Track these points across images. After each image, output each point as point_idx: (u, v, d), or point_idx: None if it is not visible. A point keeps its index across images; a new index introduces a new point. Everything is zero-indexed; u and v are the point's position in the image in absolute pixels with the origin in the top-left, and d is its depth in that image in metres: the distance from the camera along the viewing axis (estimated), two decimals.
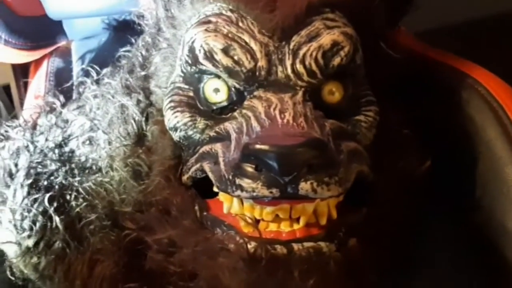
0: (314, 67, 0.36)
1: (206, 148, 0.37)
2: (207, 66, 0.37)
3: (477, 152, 0.46)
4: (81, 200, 0.42)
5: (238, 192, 0.33)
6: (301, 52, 0.36)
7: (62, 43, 0.68)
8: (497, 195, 0.44)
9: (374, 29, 0.42)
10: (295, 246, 0.34)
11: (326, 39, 0.37)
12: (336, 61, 0.37)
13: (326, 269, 0.34)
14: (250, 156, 0.32)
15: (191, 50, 0.38)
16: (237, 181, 0.33)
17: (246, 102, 0.36)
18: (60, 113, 0.47)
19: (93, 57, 0.64)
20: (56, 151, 0.44)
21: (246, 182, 0.32)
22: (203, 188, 0.38)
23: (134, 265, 0.39)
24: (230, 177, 0.33)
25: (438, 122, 0.47)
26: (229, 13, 0.38)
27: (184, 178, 0.38)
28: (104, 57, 0.53)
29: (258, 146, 0.31)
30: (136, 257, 0.39)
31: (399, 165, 0.41)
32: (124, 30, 0.55)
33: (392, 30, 0.47)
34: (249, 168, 0.32)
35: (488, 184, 0.45)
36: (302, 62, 0.36)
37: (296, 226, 0.35)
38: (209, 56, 0.37)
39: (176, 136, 0.39)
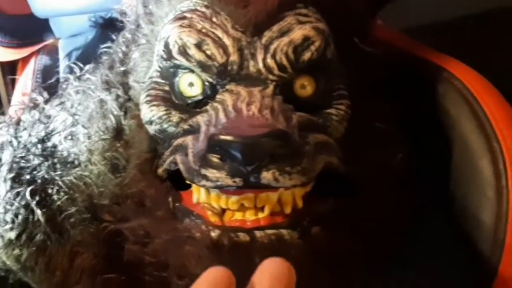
0: (284, 61, 0.37)
1: (179, 141, 0.37)
2: (181, 60, 0.38)
3: (453, 145, 0.46)
4: (62, 193, 0.42)
5: (204, 182, 0.34)
6: (272, 47, 0.37)
7: (49, 41, 0.68)
8: (471, 188, 0.45)
9: (348, 24, 0.42)
10: (258, 233, 0.35)
11: (297, 34, 0.37)
12: (307, 55, 0.38)
13: (287, 255, 0.34)
14: (215, 146, 0.33)
15: (166, 45, 0.39)
16: (203, 171, 0.34)
17: (217, 96, 0.37)
18: (43, 109, 0.48)
19: (79, 55, 0.64)
20: (39, 146, 0.45)
21: (211, 172, 0.33)
22: (178, 181, 0.39)
23: (113, 257, 0.40)
24: (197, 168, 0.34)
25: (415, 115, 0.48)
26: (203, 9, 0.39)
27: (160, 170, 0.39)
28: (90, 55, 0.54)
29: (222, 137, 0.32)
30: (115, 248, 0.40)
31: (370, 158, 0.41)
32: (110, 27, 0.56)
33: (369, 24, 0.47)
34: (214, 158, 0.33)
35: (463, 177, 0.46)
36: (273, 56, 0.37)
37: (260, 215, 0.35)
38: (183, 51, 0.38)
39: (151, 129, 0.40)
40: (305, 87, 0.39)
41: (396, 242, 0.41)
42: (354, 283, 0.39)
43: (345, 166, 0.39)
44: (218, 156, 0.33)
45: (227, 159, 0.33)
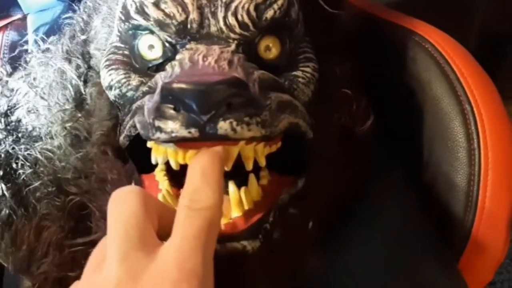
0: (246, 19, 0.36)
1: (138, 103, 0.36)
2: (139, 20, 0.37)
3: (424, 109, 0.46)
4: (26, 167, 0.42)
5: (158, 134, 0.32)
6: (233, 5, 0.36)
7: (17, 16, 0.67)
8: (443, 151, 0.45)
9: None
10: (218, 246, 0.32)
11: None
12: (269, 13, 0.37)
13: (249, 268, 0.35)
14: (168, 95, 0.31)
15: (124, 6, 0.38)
16: (156, 123, 0.32)
17: (177, 55, 0.36)
18: (6, 82, 0.47)
19: (47, 29, 0.63)
20: (2, 120, 0.44)
21: (164, 123, 0.32)
22: (141, 163, 0.38)
23: (80, 229, 0.40)
24: (151, 120, 0.32)
25: (385, 80, 0.47)
26: None
27: (121, 138, 0.38)
28: (57, 28, 0.53)
29: (175, 85, 0.31)
30: (81, 221, 0.40)
31: (339, 123, 0.41)
32: (77, 1, 0.54)
33: None
34: (168, 109, 0.32)
35: (435, 140, 0.45)
36: (234, 14, 0.36)
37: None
38: (140, 9, 0.37)
39: (111, 95, 0.39)
40: (270, 48, 0.38)
41: (353, 205, 0.41)
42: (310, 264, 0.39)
43: (312, 131, 0.38)
44: (171, 106, 0.31)
45: (181, 108, 0.31)
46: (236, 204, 0.35)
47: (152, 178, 0.37)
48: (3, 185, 0.41)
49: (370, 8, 0.52)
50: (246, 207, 0.35)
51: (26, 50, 0.54)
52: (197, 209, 0.28)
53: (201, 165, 0.31)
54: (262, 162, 0.35)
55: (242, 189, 0.35)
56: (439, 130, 0.45)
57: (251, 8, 0.36)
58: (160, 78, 0.35)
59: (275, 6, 0.37)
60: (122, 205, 0.29)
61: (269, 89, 0.35)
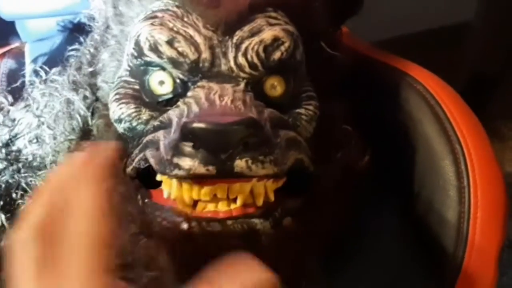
0: (255, 59, 0.38)
1: (149, 137, 0.37)
2: (152, 57, 0.38)
3: (416, 147, 0.48)
4: (26, 198, 0.42)
5: (176, 171, 0.33)
6: (244, 46, 0.38)
7: (15, 44, 0.67)
8: (435, 188, 0.46)
9: (315, 29, 0.44)
10: (230, 222, 0.35)
11: (267, 34, 0.38)
12: (277, 55, 0.38)
13: (258, 244, 0.35)
14: (188, 134, 0.33)
15: (137, 43, 0.39)
16: (175, 160, 0.33)
17: (189, 92, 0.37)
18: (8, 112, 0.47)
19: (46, 59, 0.63)
20: (3, 150, 0.44)
21: (183, 161, 0.33)
22: (146, 181, 0.38)
23: None
24: (169, 157, 0.34)
25: (380, 119, 0.49)
26: (175, 9, 0.39)
27: (128, 170, 0.39)
28: (57, 59, 0.53)
29: (195, 125, 0.32)
30: None
31: (338, 158, 0.42)
32: (78, 32, 0.55)
33: (335, 31, 0.49)
34: (187, 147, 0.33)
35: (426, 178, 0.47)
36: (244, 55, 0.38)
37: (233, 206, 0.35)
38: (154, 47, 0.38)
39: (120, 128, 0.40)
40: (275, 87, 0.39)
41: (352, 242, 0.42)
42: (313, 273, 0.39)
43: (314, 166, 0.40)
44: (191, 144, 0.33)
45: (200, 147, 0.32)
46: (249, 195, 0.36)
47: (158, 191, 0.38)
48: (2, 216, 0.41)
49: (364, 49, 0.55)
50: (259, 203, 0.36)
51: (25, 80, 0.54)
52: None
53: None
54: (271, 198, 0.37)
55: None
56: (430, 168, 0.47)
57: (260, 50, 0.38)
58: (174, 115, 0.36)
59: (282, 48, 0.39)
60: None
61: (277, 127, 0.37)
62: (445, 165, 0.46)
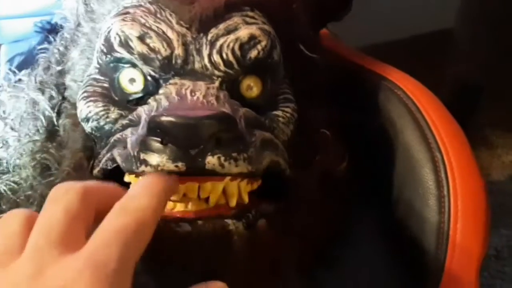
0: (231, 57, 0.37)
1: (117, 136, 0.36)
2: (122, 53, 0.37)
3: (396, 154, 0.47)
4: None
5: (143, 168, 0.32)
6: (219, 43, 0.37)
7: None
8: (415, 197, 0.45)
9: (293, 30, 0.43)
10: (200, 222, 0.33)
11: (243, 32, 0.37)
12: (253, 53, 0.37)
13: (230, 245, 0.33)
14: (156, 128, 0.31)
15: (107, 39, 0.38)
16: (142, 156, 0.31)
17: (161, 90, 0.36)
18: None
19: (21, 60, 0.62)
20: None
21: (150, 156, 0.31)
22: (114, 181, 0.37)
23: None
24: (135, 153, 0.32)
25: (360, 124, 0.48)
26: (148, 5, 0.38)
27: (95, 171, 0.37)
28: (32, 60, 0.52)
29: (163, 118, 0.30)
30: None
31: (315, 163, 0.41)
32: (54, 33, 0.54)
33: (316, 34, 0.48)
34: (155, 142, 0.31)
35: (406, 185, 0.46)
36: (219, 52, 0.36)
37: (205, 206, 0.34)
38: (124, 43, 0.37)
39: (88, 127, 0.38)
40: (251, 87, 0.38)
41: (330, 248, 0.41)
42: (290, 279, 0.38)
43: (291, 169, 0.38)
44: (158, 139, 0.31)
45: (169, 142, 0.31)
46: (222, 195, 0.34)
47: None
48: None
49: (346, 53, 0.54)
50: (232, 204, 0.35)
51: None
52: (127, 210, 0.27)
53: (144, 181, 0.30)
54: (245, 199, 0.35)
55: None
56: (410, 176, 0.46)
57: (236, 47, 0.37)
58: (143, 112, 0.34)
59: (259, 47, 0.37)
60: (57, 201, 0.28)
61: (252, 127, 0.35)
62: (425, 173, 0.44)
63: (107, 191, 0.30)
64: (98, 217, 0.28)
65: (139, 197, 0.28)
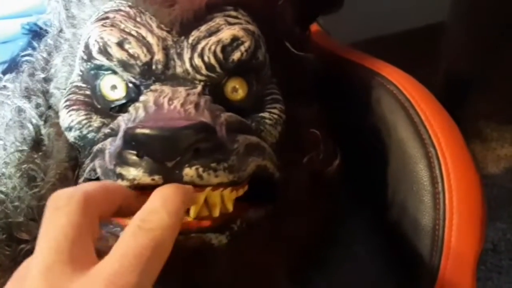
0: (213, 61, 0.36)
1: (99, 146, 0.35)
2: (101, 60, 0.36)
3: (389, 151, 0.46)
4: None
5: (119, 182, 0.31)
6: (200, 46, 0.36)
7: None
8: (409, 194, 0.45)
9: (279, 28, 0.42)
10: (181, 237, 0.32)
11: (225, 33, 0.36)
12: (236, 55, 0.36)
13: (213, 261, 0.33)
14: (131, 141, 0.30)
15: (87, 45, 0.37)
16: (118, 169, 0.31)
17: (141, 97, 0.35)
18: None
19: (5, 68, 0.61)
20: None
21: (126, 170, 0.31)
22: None
23: None
24: (112, 167, 0.31)
25: (352, 121, 0.47)
26: (127, 9, 0.37)
27: (80, 181, 0.36)
28: (17, 66, 0.51)
29: (138, 130, 0.30)
30: None
31: (305, 164, 0.40)
32: (40, 38, 0.53)
33: (303, 31, 0.47)
34: (131, 155, 0.31)
35: (400, 183, 0.45)
36: (201, 56, 0.36)
37: (186, 219, 0.33)
38: (103, 50, 0.36)
39: (71, 136, 0.38)
40: (236, 90, 0.37)
41: (322, 250, 0.40)
42: (282, 285, 0.37)
43: (280, 172, 0.38)
44: (134, 152, 0.30)
45: (145, 154, 0.30)
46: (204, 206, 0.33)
47: None
48: None
49: (335, 49, 0.53)
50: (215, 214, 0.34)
51: None
52: (146, 229, 0.27)
53: (163, 193, 0.29)
54: (230, 208, 0.34)
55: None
56: (404, 173, 0.45)
57: (218, 50, 0.36)
58: (123, 121, 0.34)
59: (242, 48, 0.37)
60: (59, 213, 0.27)
61: (236, 132, 0.34)
62: (419, 170, 0.44)
63: (108, 194, 0.29)
64: (103, 219, 0.28)
65: (157, 212, 0.28)
